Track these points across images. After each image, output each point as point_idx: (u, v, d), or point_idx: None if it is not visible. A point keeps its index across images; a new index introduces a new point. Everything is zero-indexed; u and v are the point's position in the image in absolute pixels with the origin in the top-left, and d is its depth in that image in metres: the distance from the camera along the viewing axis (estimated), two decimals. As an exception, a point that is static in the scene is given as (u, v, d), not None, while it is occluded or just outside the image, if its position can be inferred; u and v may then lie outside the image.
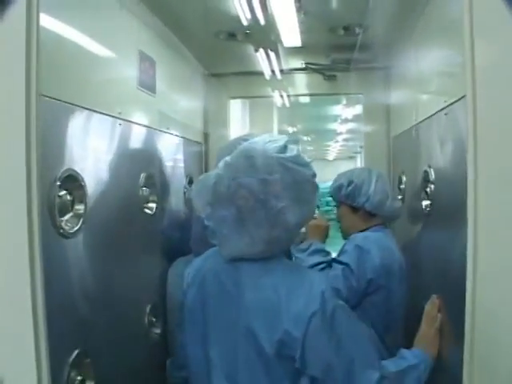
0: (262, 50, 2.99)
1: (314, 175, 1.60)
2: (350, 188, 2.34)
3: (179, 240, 2.48)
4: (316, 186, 1.60)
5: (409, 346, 1.73)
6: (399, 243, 2.33)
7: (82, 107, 1.57)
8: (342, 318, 1.50)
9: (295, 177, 1.51)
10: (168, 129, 2.47)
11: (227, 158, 1.58)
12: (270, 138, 1.58)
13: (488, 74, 1.18)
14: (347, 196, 2.36)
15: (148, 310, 2.10)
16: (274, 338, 1.44)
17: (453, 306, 1.49)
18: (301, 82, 3.68)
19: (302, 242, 2.35)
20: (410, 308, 2.17)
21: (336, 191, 2.43)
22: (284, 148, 1.54)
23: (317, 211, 2.33)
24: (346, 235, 2.51)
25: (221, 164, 1.58)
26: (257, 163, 1.50)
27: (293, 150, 1.56)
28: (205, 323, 1.58)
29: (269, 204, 1.49)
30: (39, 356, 1.20)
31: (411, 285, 2.22)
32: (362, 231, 2.36)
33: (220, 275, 1.61)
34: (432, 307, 1.76)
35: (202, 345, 1.58)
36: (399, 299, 2.17)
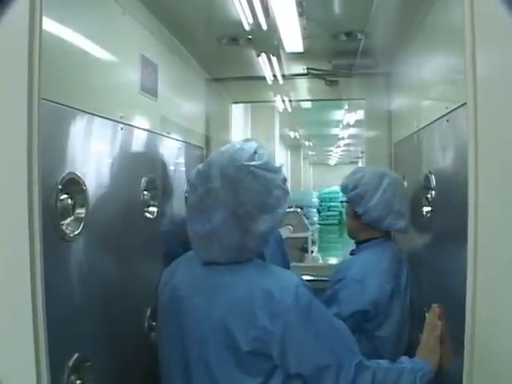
0: (264, 55, 2.99)
1: (285, 180, 1.62)
2: (352, 193, 2.26)
3: (180, 244, 2.48)
4: (286, 191, 1.62)
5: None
6: (400, 250, 2.33)
7: (84, 111, 1.58)
8: (318, 310, 1.53)
9: (264, 184, 1.53)
10: (169, 133, 2.47)
11: (199, 166, 1.61)
12: (239, 146, 1.60)
13: (489, 81, 1.18)
14: (349, 200, 2.30)
15: (148, 313, 2.10)
16: (250, 335, 1.47)
17: (454, 315, 1.49)
18: (303, 87, 3.68)
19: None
20: (411, 318, 2.17)
21: (343, 189, 2.35)
22: (253, 155, 1.56)
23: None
24: (349, 235, 2.48)
25: (193, 172, 1.61)
26: (227, 172, 1.52)
27: (263, 156, 1.57)
28: (180, 323, 1.60)
29: (238, 212, 1.51)
30: (39, 359, 1.19)
31: (412, 294, 2.22)
32: (361, 241, 2.34)
33: (193, 278, 1.63)
34: (433, 316, 1.75)
35: (179, 343, 1.60)
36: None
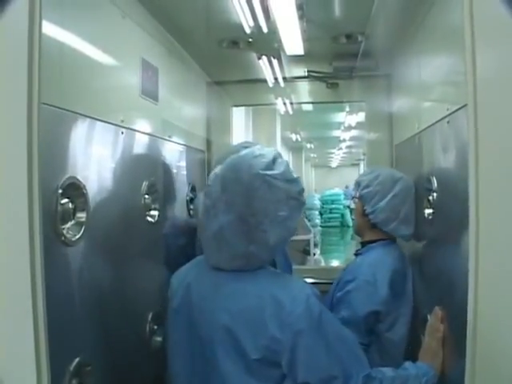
0: (264, 58, 2.99)
1: (301, 191, 1.58)
2: (364, 191, 2.28)
3: (182, 248, 2.47)
4: (302, 203, 1.59)
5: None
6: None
7: (85, 115, 1.58)
8: (328, 321, 1.51)
9: (279, 194, 1.50)
10: (171, 137, 2.47)
11: (217, 170, 1.58)
12: (258, 152, 1.56)
13: (489, 83, 1.18)
14: (360, 197, 2.31)
15: (150, 317, 2.10)
16: (260, 344, 1.45)
17: (456, 317, 1.48)
18: (303, 89, 3.68)
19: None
20: (414, 320, 2.16)
21: (356, 185, 2.38)
22: (272, 163, 1.53)
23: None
24: (354, 230, 2.53)
25: (211, 175, 1.59)
26: (242, 179, 1.49)
27: (281, 166, 1.54)
28: (190, 330, 1.59)
29: (250, 221, 1.49)
30: (40, 364, 1.19)
31: (414, 296, 2.21)
32: (367, 242, 2.34)
33: (204, 283, 1.62)
34: (435, 319, 1.75)
35: (188, 349, 1.59)
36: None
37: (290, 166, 1.59)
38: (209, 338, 1.54)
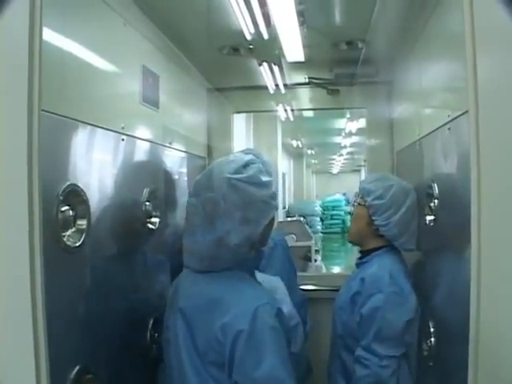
0: (265, 65, 3.00)
1: (272, 195, 1.59)
2: (376, 202, 2.20)
3: (182, 254, 2.47)
4: (271, 206, 1.60)
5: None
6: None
7: (85, 122, 1.57)
8: (271, 339, 1.47)
9: (245, 197, 1.53)
10: (171, 143, 2.47)
11: (198, 176, 1.63)
12: (232, 158, 1.60)
13: (490, 89, 1.18)
14: (370, 206, 2.22)
15: (150, 325, 2.09)
16: (210, 346, 1.48)
17: (458, 325, 1.48)
18: (304, 96, 3.68)
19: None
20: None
21: (364, 192, 2.26)
22: (242, 168, 1.55)
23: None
24: (350, 238, 2.43)
25: (193, 182, 1.65)
26: (211, 183, 1.55)
27: (250, 170, 1.56)
28: (175, 332, 1.62)
29: (216, 223, 1.52)
30: (39, 371, 1.19)
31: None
32: (367, 251, 2.30)
33: (184, 286, 1.67)
34: None
35: (176, 352, 1.61)
36: None
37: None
38: (176, 342, 1.58)
